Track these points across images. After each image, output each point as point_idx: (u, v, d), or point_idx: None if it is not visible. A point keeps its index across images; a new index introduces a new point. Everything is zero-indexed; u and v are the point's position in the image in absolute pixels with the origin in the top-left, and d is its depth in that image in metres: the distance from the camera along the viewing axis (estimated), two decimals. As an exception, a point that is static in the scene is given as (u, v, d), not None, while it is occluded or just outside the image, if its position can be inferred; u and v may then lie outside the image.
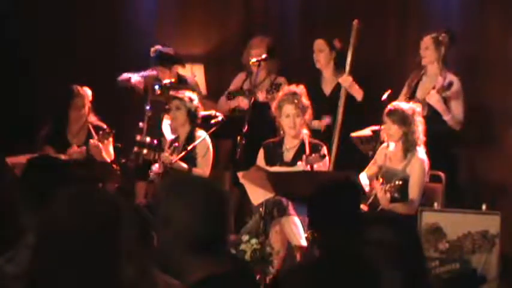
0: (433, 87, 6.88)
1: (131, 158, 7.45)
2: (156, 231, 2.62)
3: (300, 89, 6.78)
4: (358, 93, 7.17)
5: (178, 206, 2.60)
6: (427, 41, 7.02)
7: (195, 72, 8.20)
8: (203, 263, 2.56)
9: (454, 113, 6.88)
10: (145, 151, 7.33)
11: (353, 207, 3.87)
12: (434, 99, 6.80)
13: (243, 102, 7.52)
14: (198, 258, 2.56)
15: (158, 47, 7.79)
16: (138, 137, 7.47)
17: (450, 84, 6.82)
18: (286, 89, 6.85)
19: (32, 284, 2.38)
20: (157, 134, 7.52)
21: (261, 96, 7.27)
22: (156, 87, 7.62)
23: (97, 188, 2.61)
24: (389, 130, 6.46)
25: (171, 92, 7.35)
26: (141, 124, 7.67)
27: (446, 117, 6.86)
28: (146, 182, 7.21)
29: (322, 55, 7.36)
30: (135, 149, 7.42)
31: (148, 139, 7.41)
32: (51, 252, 2.39)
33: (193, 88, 7.68)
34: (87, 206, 2.46)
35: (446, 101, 6.87)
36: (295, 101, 6.69)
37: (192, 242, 2.56)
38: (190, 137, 7.09)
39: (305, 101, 6.74)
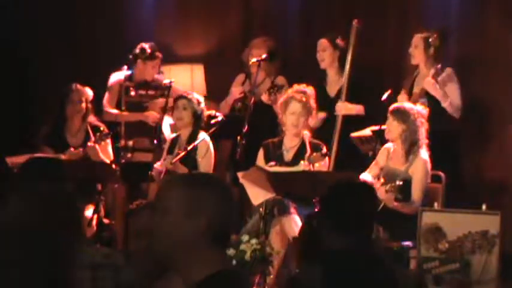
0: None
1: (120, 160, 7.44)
2: (160, 223, 2.61)
3: (310, 90, 6.78)
4: (359, 111, 7.17)
5: (195, 199, 2.59)
6: (416, 40, 7.04)
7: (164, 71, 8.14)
8: (215, 258, 2.56)
9: (451, 98, 6.89)
10: (129, 155, 7.33)
11: (369, 208, 3.86)
12: (430, 85, 6.83)
13: (235, 92, 7.55)
14: (211, 252, 2.56)
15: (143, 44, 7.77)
16: (122, 142, 7.46)
17: (442, 67, 6.86)
18: (296, 87, 6.84)
19: None
20: (137, 134, 7.49)
21: (264, 97, 7.27)
22: (131, 88, 7.63)
23: (54, 188, 2.64)
24: (390, 126, 6.49)
25: (175, 91, 7.35)
26: (118, 128, 7.63)
27: (444, 104, 6.87)
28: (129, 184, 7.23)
29: (325, 54, 7.33)
30: (121, 153, 7.41)
31: (130, 143, 7.40)
32: (8, 250, 2.43)
33: (165, 87, 7.60)
34: (44, 205, 2.49)
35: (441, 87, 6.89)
36: (304, 100, 6.70)
37: (211, 235, 2.56)
38: (192, 140, 7.05)
39: (313, 103, 6.74)
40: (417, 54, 7.03)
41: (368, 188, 3.86)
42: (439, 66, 6.90)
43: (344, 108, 7.13)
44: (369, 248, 3.66)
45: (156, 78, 7.72)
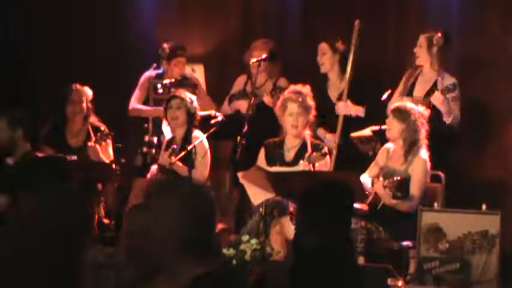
0: (433, 88, 6.89)
1: (139, 158, 7.46)
2: (143, 234, 2.64)
3: (306, 88, 6.78)
4: (359, 112, 7.16)
5: (163, 209, 2.60)
6: (420, 40, 7.05)
7: (195, 70, 8.18)
8: (190, 265, 2.57)
9: (454, 115, 6.89)
10: (154, 151, 7.35)
11: (344, 208, 3.86)
12: (439, 101, 6.79)
13: (243, 107, 7.51)
14: (185, 261, 2.57)
15: (164, 44, 7.81)
16: (147, 138, 7.50)
17: (454, 85, 6.83)
18: (292, 87, 6.85)
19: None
20: (160, 132, 7.53)
21: (267, 99, 7.27)
22: (158, 86, 7.63)
23: (67, 187, 2.66)
24: (390, 125, 6.50)
25: (172, 90, 7.36)
26: (146, 125, 7.68)
27: (447, 119, 6.84)
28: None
29: (325, 57, 7.32)
30: (144, 149, 7.44)
31: (155, 139, 7.44)
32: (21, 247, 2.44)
33: (196, 85, 7.69)
34: (70, 204, 2.50)
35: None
36: (300, 99, 6.70)
37: (178, 245, 2.57)
38: (187, 138, 7.08)
39: (310, 101, 6.74)
40: (421, 53, 7.03)
41: (344, 188, 3.85)
42: (446, 81, 6.86)
43: (344, 109, 7.13)
44: (337, 247, 3.67)
45: (189, 76, 7.76)
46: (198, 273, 2.55)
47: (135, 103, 7.79)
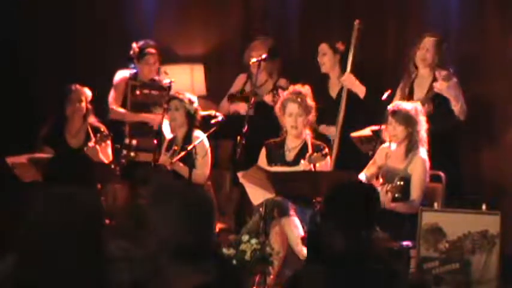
0: (431, 84, 6.90)
1: (120, 161, 7.43)
2: (141, 239, 2.62)
3: (306, 89, 6.79)
4: (360, 90, 7.17)
5: (160, 214, 2.59)
6: (428, 43, 7.00)
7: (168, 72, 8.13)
8: (187, 273, 2.56)
9: (461, 102, 6.91)
10: (132, 154, 7.31)
11: (372, 208, 3.84)
12: (445, 88, 6.81)
13: (242, 108, 7.51)
14: (183, 267, 2.56)
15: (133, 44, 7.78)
16: (127, 140, 7.45)
17: (448, 75, 6.86)
18: (292, 88, 6.86)
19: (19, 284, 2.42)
20: (140, 134, 7.47)
21: (268, 99, 7.27)
22: (137, 87, 7.62)
23: (79, 189, 2.64)
24: (395, 131, 6.47)
25: (171, 92, 7.35)
26: (122, 127, 7.63)
27: (455, 106, 6.86)
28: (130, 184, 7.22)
29: (325, 58, 7.34)
30: (124, 152, 7.39)
31: (134, 142, 7.37)
32: (36, 252, 2.43)
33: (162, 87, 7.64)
34: (71, 206, 2.49)
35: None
36: (299, 100, 6.70)
37: (175, 251, 2.56)
38: (188, 138, 7.08)
39: (310, 101, 6.75)
40: (428, 57, 7.00)
41: (371, 187, 3.83)
42: (451, 70, 6.89)
43: (350, 80, 7.13)
44: (372, 248, 3.65)
45: (158, 79, 7.72)
46: (197, 278, 2.53)
47: (114, 105, 7.72)
